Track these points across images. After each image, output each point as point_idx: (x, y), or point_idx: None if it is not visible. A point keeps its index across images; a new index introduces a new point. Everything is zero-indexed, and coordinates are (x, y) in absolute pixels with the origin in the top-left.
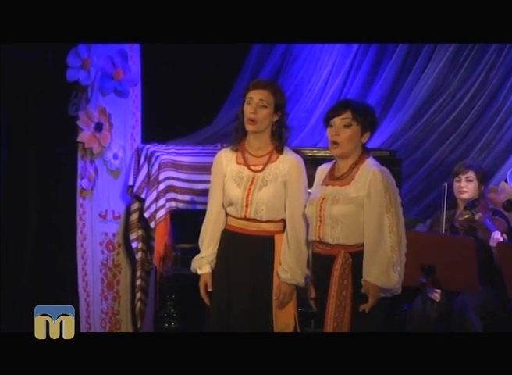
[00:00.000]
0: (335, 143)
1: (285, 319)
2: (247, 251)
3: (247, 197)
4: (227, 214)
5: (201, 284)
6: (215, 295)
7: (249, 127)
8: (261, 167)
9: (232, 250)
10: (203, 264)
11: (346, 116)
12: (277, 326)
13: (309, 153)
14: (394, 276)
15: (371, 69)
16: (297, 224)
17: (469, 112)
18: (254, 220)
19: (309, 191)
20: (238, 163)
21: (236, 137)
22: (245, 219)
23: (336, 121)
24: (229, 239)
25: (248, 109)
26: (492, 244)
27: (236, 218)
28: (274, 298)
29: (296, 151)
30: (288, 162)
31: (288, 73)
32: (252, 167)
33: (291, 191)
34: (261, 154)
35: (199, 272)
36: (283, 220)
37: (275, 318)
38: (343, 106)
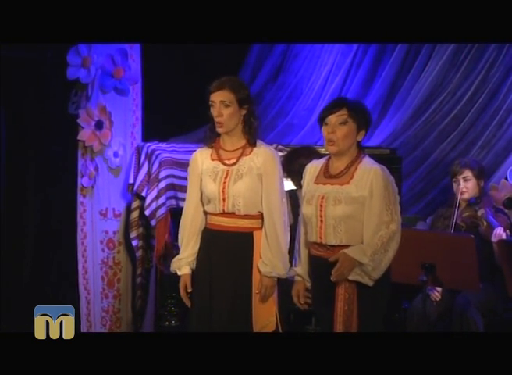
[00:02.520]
0: (331, 141)
1: (267, 316)
2: (226, 248)
3: (223, 190)
4: (206, 213)
5: (181, 285)
6: (198, 295)
7: (219, 130)
8: (234, 160)
9: (213, 248)
10: (182, 265)
11: (342, 113)
12: (257, 323)
13: (311, 150)
14: (367, 255)
15: (372, 68)
16: (275, 216)
17: (469, 110)
18: (232, 215)
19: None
20: (212, 159)
21: (210, 137)
22: (223, 214)
23: (332, 119)
24: (209, 237)
25: (213, 112)
26: (494, 239)
27: (214, 215)
28: (256, 292)
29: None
30: (262, 155)
31: (288, 71)
32: (226, 161)
33: (267, 184)
34: (234, 148)
35: (178, 273)
36: (261, 215)
37: (255, 315)
38: (338, 104)
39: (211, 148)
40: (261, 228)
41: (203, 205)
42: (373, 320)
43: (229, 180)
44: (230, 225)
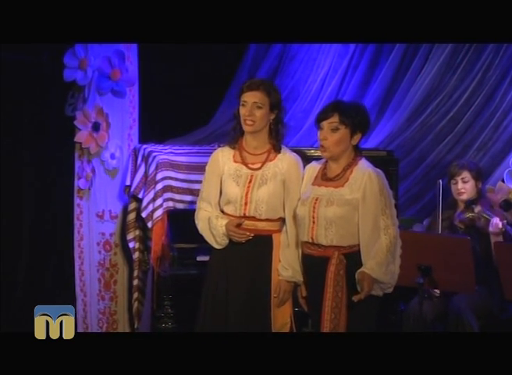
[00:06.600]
0: (323, 147)
1: (282, 318)
2: (245, 250)
3: (247, 195)
4: (223, 213)
5: (230, 225)
6: (213, 295)
7: (246, 128)
8: (259, 165)
9: (230, 250)
10: (219, 217)
11: (333, 120)
12: (275, 325)
13: (306, 153)
14: (387, 273)
15: (368, 70)
16: (297, 222)
17: (466, 112)
18: (253, 218)
19: None
20: (235, 162)
21: (233, 136)
22: (243, 217)
23: (325, 124)
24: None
25: (244, 112)
26: (491, 229)
27: (233, 217)
28: (274, 296)
29: (295, 151)
30: (287, 161)
31: (285, 74)
32: (250, 165)
33: (291, 190)
34: (258, 152)
35: (223, 221)
36: (281, 219)
37: (273, 317)
38: (330, 109)
39: (233, 148)
40: (279, 231)
41: (220, 205)
42: (363, 320)
43: (253, 185)
44: (250, 228)
